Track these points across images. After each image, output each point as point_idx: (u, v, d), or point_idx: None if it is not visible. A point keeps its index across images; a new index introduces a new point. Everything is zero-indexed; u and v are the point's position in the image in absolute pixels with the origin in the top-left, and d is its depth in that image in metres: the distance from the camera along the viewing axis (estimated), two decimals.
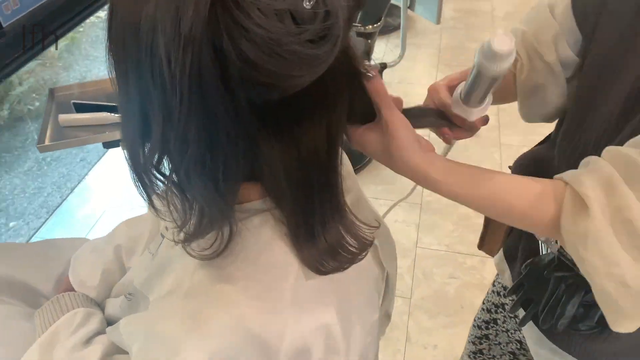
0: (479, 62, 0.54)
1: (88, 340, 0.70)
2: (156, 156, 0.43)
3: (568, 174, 0.57)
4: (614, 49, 0.65)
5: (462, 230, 2.01)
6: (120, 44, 0.40)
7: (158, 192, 0.46)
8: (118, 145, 1.24)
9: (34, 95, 2.94)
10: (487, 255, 1.05)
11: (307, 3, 0.37)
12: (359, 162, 2.24)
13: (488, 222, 0.96)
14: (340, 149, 0.50)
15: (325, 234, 0.50)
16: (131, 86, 0.41)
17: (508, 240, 0.94)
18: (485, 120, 0.67)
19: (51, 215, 2.14)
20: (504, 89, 0.78)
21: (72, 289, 0.82)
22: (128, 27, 0.39)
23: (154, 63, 0.37)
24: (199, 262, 0.50)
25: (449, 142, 0.71)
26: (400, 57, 2.50)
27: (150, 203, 0.46)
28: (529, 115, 0.82)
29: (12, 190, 2.27)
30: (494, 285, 1.05)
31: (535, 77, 0.76)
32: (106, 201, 2.25)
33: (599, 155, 0.57)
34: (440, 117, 0.68)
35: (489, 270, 1.86)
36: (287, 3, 0.37)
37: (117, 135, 1.22)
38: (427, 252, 1.95)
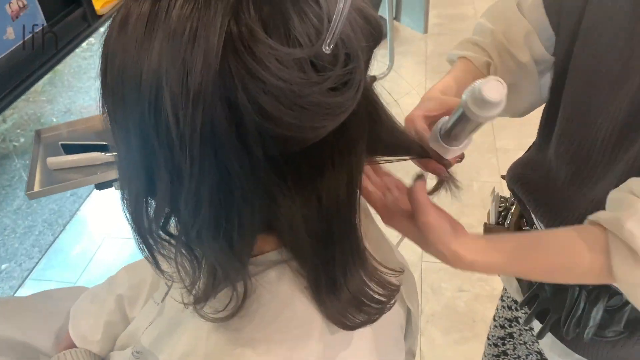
0: (465, 105, 0.50)
1: None
2: (163, 217, 0.39)
3: (605, 219, 0.55)
4: (612, 50, 0.62)
5: None
6: (119, 98, 0.36)
7: (164, 253, 0.42)
8: (111, 186, 1.19)
9: (18, 131, 2.88)
10: None
11: (327, 48, 0.33)
12: None
13: (489, 230, 0.93)
14: (358, 191, 0.46)
15: (347, 284, 0.45)
16: (132, 143, 0.36)
17: None
18: (461, 157, 0.63)
19: (44, 254, 2.08)
20: None
21: (73, 345, 0.78)
22: (128, 80, 0.34)
23: (159, 121, 0.33)
24: (212, 325, 0.45)
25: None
26: (389, 68, 2.49)
27: (157, 266, 0.41)
28: None
29: (2, 231, 2.21)
30: (502, 299, 1.02)
31: (508, 77, 0.73)
32: (101, 236, 2.19)
33: (610, 156, 0.55)
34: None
35: (498, 280, 1.82)
36: (307, 51, 0.33)
37: (109, 175, 1.17)
38: (434, 265, 1.91)
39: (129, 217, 0.39)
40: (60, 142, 1.26)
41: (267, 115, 0.33)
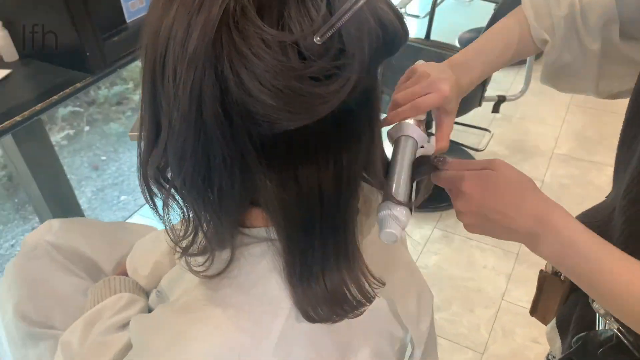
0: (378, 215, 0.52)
1: (123, 326, 0.74)
2: (161, 163, 0.43)
3: None
4: None
5: None
6: (145, 49, 0.41)
7: (164, 200, 0.46)
8: None
9: None
10: None
11: (318, 38, 0.34)
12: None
13: (542, 284, 0.85)
14: (356, 194, 0.46)
15: (325, 278, 0.46)
16: (147, 90, 0.41)
17: (563, 307, 0.83)
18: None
19: None
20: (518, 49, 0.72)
21: (127, 273, 0.87)
22: (151, 33, 0.40)
23: (165, 73, 0.38)
24: (200, 279, 0.49)
25: None
26: (522, 92, 2.34)
27: (155, 210, 0.46)
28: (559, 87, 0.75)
29: (130, 168, 2.49)
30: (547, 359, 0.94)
31: (565, 56, 0.68)
32: None
33: None
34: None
35: None
36: (296, 36, 0.35)
37: None
38: (513, 307, 1.79)
39: (138, 158, 0.44)
40: None
41: (246, 90, 0.35)
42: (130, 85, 2.88)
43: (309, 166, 0.42)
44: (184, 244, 0.47)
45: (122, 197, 2.30)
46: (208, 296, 0.48)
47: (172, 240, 0.47)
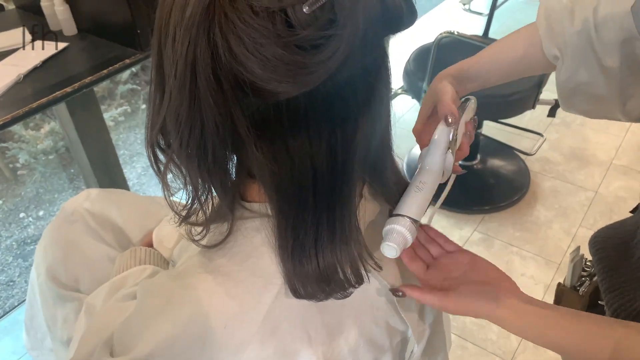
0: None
1: None
2: (162, 128, 0.44)
3: None
4: None
5: None
6: (155, 16, 0.42)
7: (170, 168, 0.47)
8: None
9: None
10: None
11: (307, 8, 0.34)
12: (506, 199, 2.06)
13: (560, 297, 0.82)
14: (351, 180, 0.45)
15: (318, 255, 0.46)
16: (154, 56, 0.43)
17: None
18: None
19: None
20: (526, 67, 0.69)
21: (152, 244, 0.90)
22: (160, 1, 0.41)
23: (166, 38, 0.39)
24: (200, 249, 0.50)
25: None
26: None
27: (158, 174, 0.47)
28: (573, 108, 0.70)
29: None
30: None
31: (581, 76, 0.62)
32: None
33: None
34: None
35: None
36: (284, 3, 0.34)
37: None
38: None
39: (146, 127, 0.46)
40: None
41: (235, 56, 0.36)
42: None
43: (300, 140, 0.42)
44: (185, 212, 0.48)
45: (169, 175, 2.38)
46: (203, 264, 0.50)
47: (170, 207, 0.48)
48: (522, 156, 2.27)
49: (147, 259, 0.85)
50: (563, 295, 0.79)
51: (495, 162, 2.24)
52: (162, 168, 0.47)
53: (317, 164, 0.43)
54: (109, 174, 1.59)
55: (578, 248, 0.82)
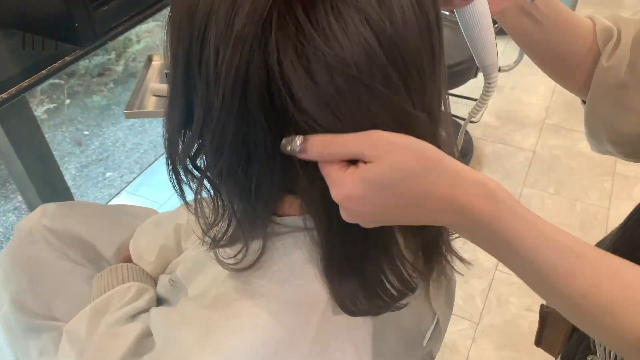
0: None
1: (134, 317, 0.71)
2: (193, 150, 0.40)
3: None
4: None
5: None
6: (177, 26, 0.37)
7: (192, 187, 0.43)
8: None
9: (148, 54, 3.10)
10: None
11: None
12: None
13: (545, 319, 0.81)
14: None
15: (364, 268, 0.44)
16: (179, 71, 0.38)
17: (568, 345, 0.79)
18: None
19: (143, 171, 2.25)
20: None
21: (130, 260, 0.84)
22: (186, 9, 0.36)
23: (203, 54, 0.35)
24: (228, 272, 0.47)
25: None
26: (517, 62, 2.32)
27: (182, 196, 0.43)
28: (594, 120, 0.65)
29: (114, 142, 2.42)
30: None
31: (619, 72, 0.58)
32: None
33: None
34: None
35: None
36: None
37: None
38: (508, 277, 1.81)
39: (165, 144, 0.41)
40: (165, 71, 1.34)
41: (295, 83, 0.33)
42: (113, 55, 2.78)
43: None
44: (212, 234, 0.45)
45: (108, 174, 2.24)
46: (241, 289, 0.46)
47: (203, 231, 0.44)
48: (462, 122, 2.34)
49: (129, 276, 0.79)
50: (548, 317, 0.79)
51: None
52: (182, 185, 0.43)
53: None
54: (47, 181, 1.46)
55: None
